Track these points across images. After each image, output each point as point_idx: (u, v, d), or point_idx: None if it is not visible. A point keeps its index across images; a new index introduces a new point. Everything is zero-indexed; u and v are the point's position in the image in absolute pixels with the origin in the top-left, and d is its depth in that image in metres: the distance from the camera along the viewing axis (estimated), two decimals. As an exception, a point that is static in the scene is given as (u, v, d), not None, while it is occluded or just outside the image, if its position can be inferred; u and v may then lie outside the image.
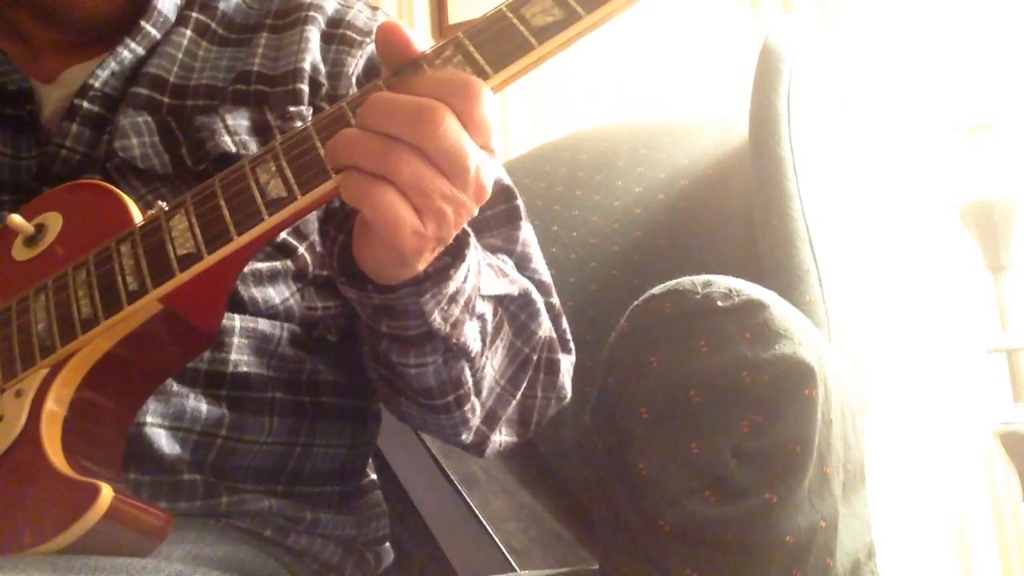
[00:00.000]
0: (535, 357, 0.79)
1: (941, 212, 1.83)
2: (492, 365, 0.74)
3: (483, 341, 0.70)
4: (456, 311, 0.65)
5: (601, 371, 0.66)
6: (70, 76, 0.82)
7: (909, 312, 1.78)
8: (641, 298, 0.65)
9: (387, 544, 0.90)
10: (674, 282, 0.64)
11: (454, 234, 0.58)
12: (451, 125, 0.53)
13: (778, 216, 0.97)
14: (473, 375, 0.71)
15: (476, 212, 0.58)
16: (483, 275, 0.68)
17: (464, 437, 0.76)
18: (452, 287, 0.63)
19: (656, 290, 0.64)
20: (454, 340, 0.66)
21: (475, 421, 0.75)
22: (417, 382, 0.69)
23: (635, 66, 2.05)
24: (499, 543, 1.09)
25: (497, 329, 0.73)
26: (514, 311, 0.76)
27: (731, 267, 0.70)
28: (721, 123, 1.26)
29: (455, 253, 0.62)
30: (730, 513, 0.58)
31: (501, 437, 0.79)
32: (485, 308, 0.69)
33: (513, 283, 0.75)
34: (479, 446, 0.79)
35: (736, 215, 1.09)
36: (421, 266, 0.59)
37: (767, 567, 0.58)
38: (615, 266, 1.16)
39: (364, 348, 0.76)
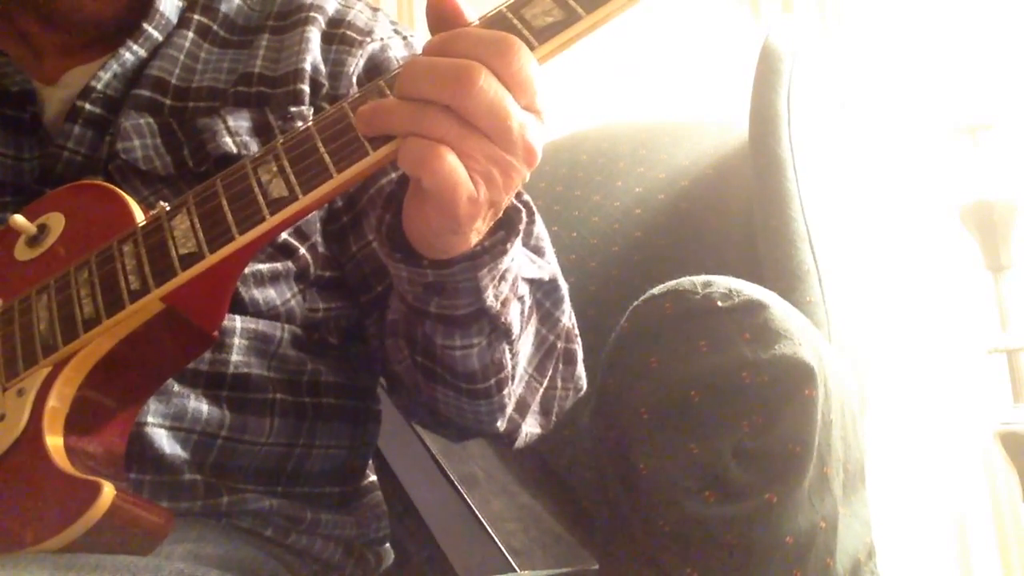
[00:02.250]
0: (559, 345, 0.79)
1: (941, 212, 1.84)
2: (523, 351, 0.74)
3: (521, 324, 0.70)
4: (506, 289, 0.64)
5: (601, 371, 0.66)
6: (72, 78, 0.82)
7: (909, 312, 1.78)
8: (641, 298, 0.65)
9: (387, 544, 0.90)
10: (674, 282, 0.64)
11: (506, 199, 0.57)
12: (488, 82, 0.53)
13: (778, 216, 0.97)
14: (512, 359, 0.71)
15: (527, 176, 0.57)
16: (522, 256, 0.67)
17: (499, 424, 0.76)
18: (506, 262, 0.62)
19: (656, 290, 0.64)
20: (502, 319, 0.66)
21: (510, 408, 0.75)
22: (461, 365, 0.69)
23: (635, 66, 2.05)
24: (499, 543, 1.09)
25: (528, 315, 0.73)
26: (540, 298, 0.75)
27: (731, 267, 0.70)
28: (721, 123, 1.26)
29: (508, 227, 0.61)
30: (730, 513, 0.58)
31: (528, 428, 0.79)
32: (524, 290, 0.69)
33: (542, 268, 0.74)
34: (511, 435, 0.78)
35: (736, 215, 1.09)
36: (473, 236, 0.58)
37: (767, 567, 0.58)
38: (615, 266, 1.16)
39: (392, 341, 0.75)
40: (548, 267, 0.76)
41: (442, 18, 0.57)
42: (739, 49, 1.95)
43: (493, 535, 1.09)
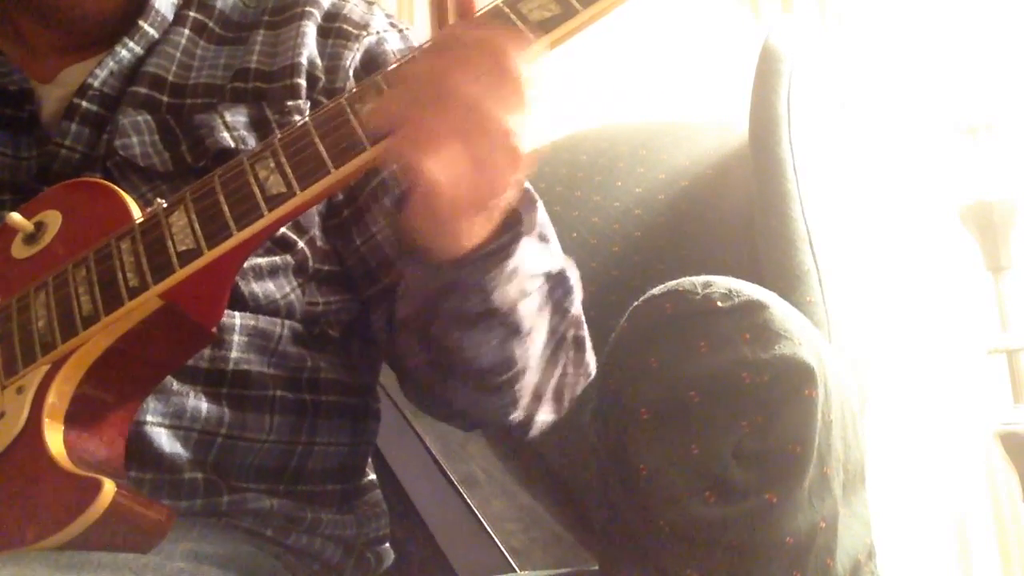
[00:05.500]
0: (569, 334, 0.79)
1: (941, 212, 1.83)
2: (536, 343, 0.74)
3: (532, 319, 0.71)
4: (514, 288, 0.65)
5: (601, 372, 0.66)
6: (69, 76, 0.82)
7: (909, 313, 1.78)
8: (641, 299, 0.65)
9: (387, 544, 0.90)
10: (674, 283, 0.64)
11: (500, 201, 0.58)
12: (469, 84, 0.54)
13: (778, 217, 0.97)
14: (523, 353, 0.71)
15: (513, 179, 0.58)
16: (532, 252, 0.68)
17: (513, 417, 0.76)
18: (512, 264, 0.63)
19: (656, 291, 0.64)
20: (512, 318, 0.66)
21: (525, 400, 0.75)
22: (475, 362, 0.69)
23: (635, 66, 2.05)
24: (499, 544, 1.09)
25: (540, 308, 0.73)
26: (551, 287, 0.76)
27: (731, 268, 0.70)
28: (721, 123, 1.26)
29: (514, 230, 0.62)
30: (730, 514, 0.58)
31: (542, 417, 0.79)
32: (534, 286, 0.70)
33: (553, 257, 0.75)
34: (525, 425, 0.78)
35: (736, 216, 1.08)
36: (464, 238, 0.59)
37: (767, 568, 0.58)
38: (615, 267, 1.16)
39: (405, 337, 0.76)
40: (557, 257, 0.77)
41: None
42: (739, 49, 1.95)
43: (493, 535, 1.09)
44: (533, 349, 0.73)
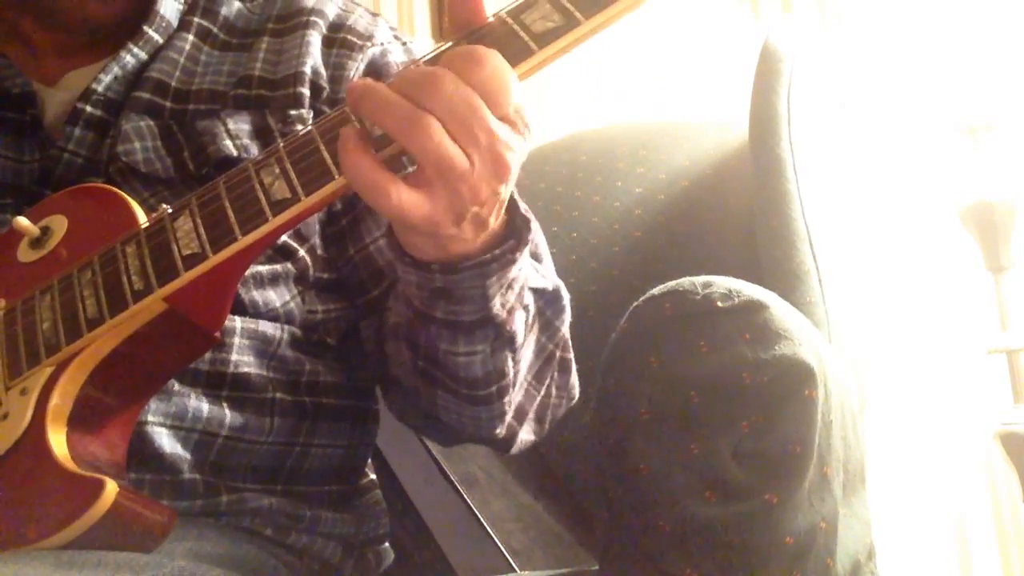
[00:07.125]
0: (556, 355, 0.79)
1: (941, 213, 1.84)
2: (524, 359, 0.74)
3: (524, 333, 0.70)
4: (512, 298, 0.65)
5: (601, 372, 0.66)
6: (72, 80, 0.82)
7: (909, 313, 1.78)
8: (641, 299, 0.65)
9: (387, 544, 0.90)
10: (674, 283, 0.64)
11: (478, 211, 0.58)
12: (455, 87, 0.54)
13: (778, 217, 0.97)
14: (514, 366, 0.71)
15: (499, 193, 0.57)
16: (526, 267, 0.68)
17: (498, 431, 0.76)
18: (513, 271, 0.63)
19: (656, 291, 0.64)
20: (507, 328, 0.66)
21: (510, 415, 0.75)
22: (464, 371, 0.69)
23: (635, 66, 2.05)
24: (499, 543, 1.09)
25: (531, 323, 0.73)
26: (542, 306, 0.76)
27: (731, 268, 0.70)
28: (721, 123, 1.26)
29: (517, 237, 0.62)
30: (730, 514, 0.58)
31: (524, 435, 0.79)
32: (529, 299, 0.70)
33: (545, 277, 0.75)
34: (508, 441, 0.78)
35: (736, 216, 1.09)
36: (453, 243, 0.59)
37: (767, 568, 0.58)
38: (615, 267, 1.16)
39: (394, 344, 0.75)
40: (551, 276, 0.77)
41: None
42: (739, 49, 1.95)
43: (493, 535, 1.09)
44: (522, 364, 0.73)
